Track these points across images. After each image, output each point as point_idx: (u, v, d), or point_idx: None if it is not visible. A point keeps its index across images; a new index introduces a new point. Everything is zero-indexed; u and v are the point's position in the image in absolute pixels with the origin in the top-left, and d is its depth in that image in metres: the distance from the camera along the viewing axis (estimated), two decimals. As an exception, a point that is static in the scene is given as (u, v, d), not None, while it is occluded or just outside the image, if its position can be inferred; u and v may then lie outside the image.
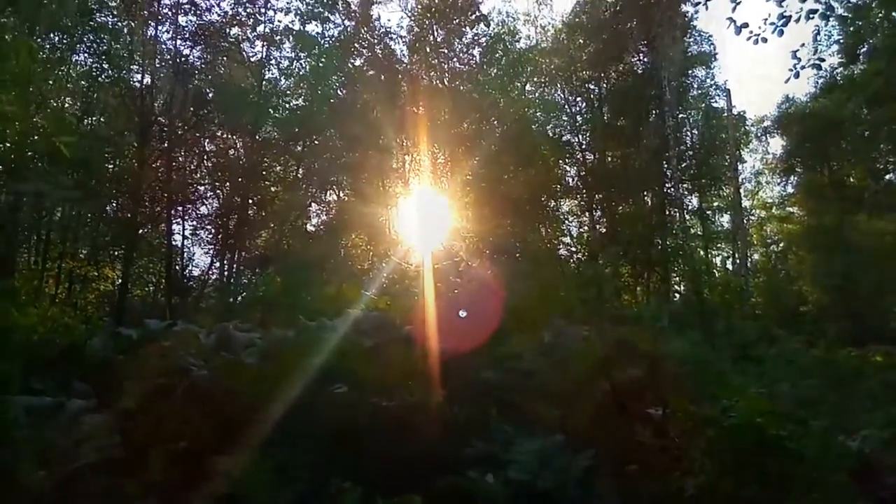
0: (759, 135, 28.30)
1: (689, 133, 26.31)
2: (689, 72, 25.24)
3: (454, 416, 5.40)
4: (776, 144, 27.15)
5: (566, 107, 25.97)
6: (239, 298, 19.33)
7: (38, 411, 4.52)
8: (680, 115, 25.44)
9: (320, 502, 4.32)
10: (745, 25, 7.88)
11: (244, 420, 5.07)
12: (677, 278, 24.91)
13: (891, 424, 5.86)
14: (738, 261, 27.18)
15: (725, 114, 26.01)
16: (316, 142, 22.65)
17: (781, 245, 25.83)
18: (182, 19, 20.16)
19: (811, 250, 22.35)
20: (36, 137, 16.35)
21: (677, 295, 24.06)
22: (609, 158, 25.71)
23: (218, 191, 22.50)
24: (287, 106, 22.79)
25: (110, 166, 19.97)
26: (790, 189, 25.86)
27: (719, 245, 27.07)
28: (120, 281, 19.86)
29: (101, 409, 4.86)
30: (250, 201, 21.71)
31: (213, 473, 4.30)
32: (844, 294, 19.16)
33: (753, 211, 27.82)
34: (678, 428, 5.35)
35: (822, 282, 20.84)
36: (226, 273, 21.85)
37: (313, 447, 5.05)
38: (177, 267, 21.16)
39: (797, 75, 8.31)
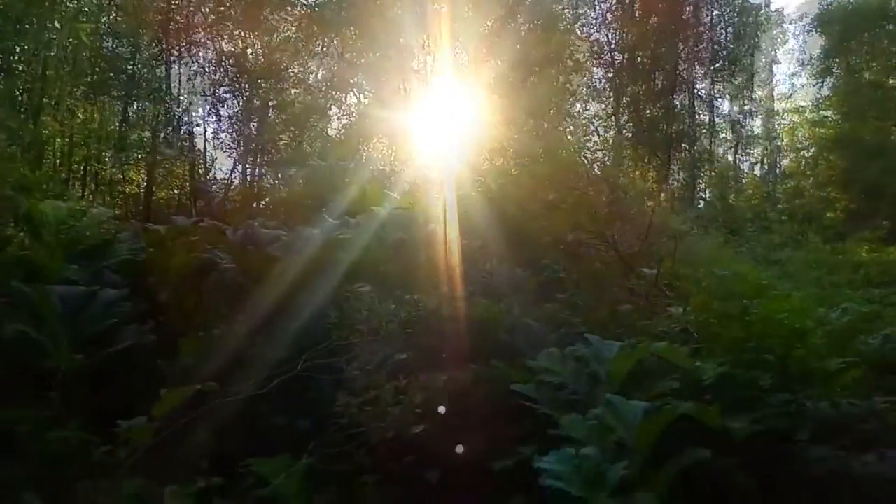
0: (797, 34, 26.96)
1: (723, 31, 25.13)
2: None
3: (477, 309, 5.48)
4: (815, 45, 25.84)
5: (595, 3, 24.80)
6: (263, 202, 19.46)
7: (73, 299, 4.66)
8: (714, 12, 24.24)
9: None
10: None
11: (270, 312, 5.21)
12: (703, 184, 24.49)
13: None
14: (766, 166, 26.63)
15: (762, 10, 24.73)
16: (335, 41, 22.04)
17: (812, 150, 25.02)
18: None
19: (843, 155, 21.61)
20: (54, 36, 16.18)
21: (702, 201, 23.75)
22: (639, 59, 24.75)
23: (237, 93, 22.17)
24: (304, 2, 22.06)
25: (129, 67, 19.71)
26: (826, 91, 24.70)
27: (748, 150, 26.41)
28: (145, 184, 20.05)
29: (133, 299, 5.01)
30: (270, 104, 21.41)
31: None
32: (874, 199, 18.69)
33: (785, 115, 26.87)
34: (700, 322, 5.41)
35: (852, 187, 20.30)
36: (248, 176, 21.90)
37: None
38: (200, 171, 21.21)
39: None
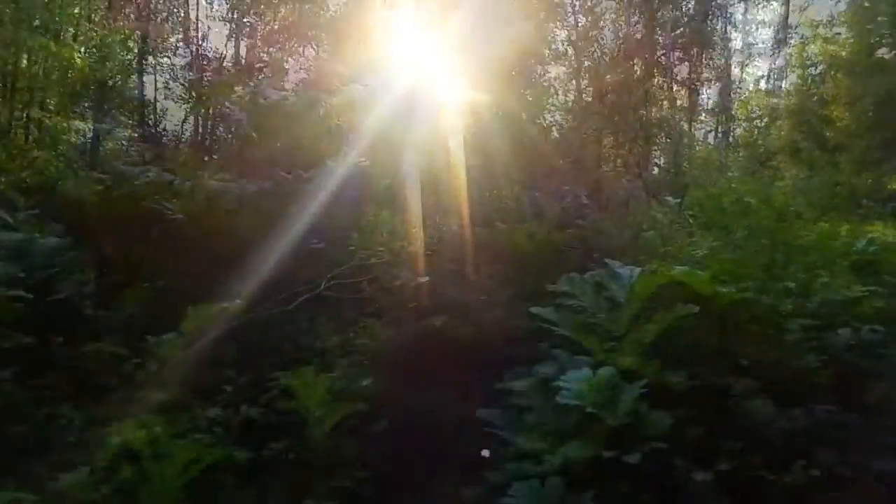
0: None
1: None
2: None
3: (438, 266, 5.49)
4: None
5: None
6: (214, 156, 18.98)
7: (9, 246, 4.49)
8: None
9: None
10: None
11: (220, 267, 5.10)
12: (658, 151, 24.66)
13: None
14: (719, 135, 27.01)
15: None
16: (293, -9, 21.37)
17: (766, 120, 25.26)
18: None
19: (850, 73, 20.74)
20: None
21: (656, 168, 23.94)
22: (602, 22, 24.60)
23: (191, 43, 21.39)
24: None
25: (77, 10, 18.78)
26: (843, 6, 23.43)
27: (702, 119, 26.66)
28: (92, 134, 19.28)
29: (76, 248, 4.85)
30: (223, 54, 20.77)
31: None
32: (874, 116, 18.24)
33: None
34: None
35: (856, 105, 19.49)
36: (200, 129, 21.27)
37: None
38: (149, 122, 20.49)
39: None
